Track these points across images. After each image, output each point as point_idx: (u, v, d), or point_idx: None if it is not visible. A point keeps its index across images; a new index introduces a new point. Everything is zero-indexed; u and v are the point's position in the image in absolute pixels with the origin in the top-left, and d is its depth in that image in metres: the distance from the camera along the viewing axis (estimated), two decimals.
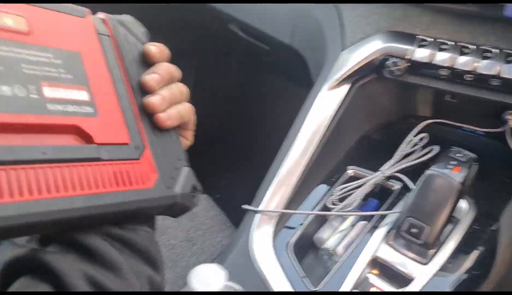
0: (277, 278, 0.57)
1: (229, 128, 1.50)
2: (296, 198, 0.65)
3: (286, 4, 0.87)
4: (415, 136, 0.72)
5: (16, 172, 0.33)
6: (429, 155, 0.69)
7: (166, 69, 0.45)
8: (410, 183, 0.66)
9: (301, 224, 0.63)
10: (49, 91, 0.37)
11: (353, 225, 0.63)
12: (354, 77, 0.72)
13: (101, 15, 0.45)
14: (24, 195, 0.33)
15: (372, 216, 0.63)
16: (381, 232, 0.61)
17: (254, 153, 1.46)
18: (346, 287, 0.55)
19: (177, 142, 0.46)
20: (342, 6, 0.77)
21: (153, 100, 0.43)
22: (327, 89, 0.71)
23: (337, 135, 0.71)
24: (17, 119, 0.34)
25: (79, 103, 0.39)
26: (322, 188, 0.68)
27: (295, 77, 1.03)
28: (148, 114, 0.44)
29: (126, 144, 0.41)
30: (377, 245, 0.59)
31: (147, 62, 0.45)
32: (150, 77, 0.43)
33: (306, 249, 0.64)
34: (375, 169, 0.71)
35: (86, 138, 0.39)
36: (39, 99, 0.36)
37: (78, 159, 0.37)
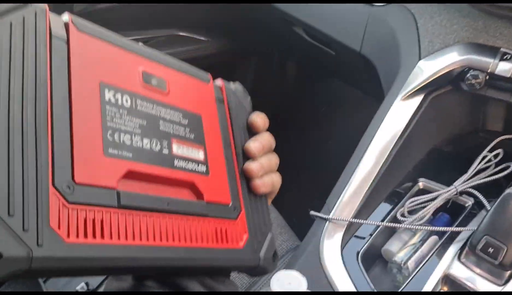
0: (346, 287, 0.57)
1: (284, 131, 1.51)
2: (365, 208, 0.65)
3: (357, 9, 0.86)
4: (489, 151, 0.70)
5: (146, 218, 0.37)
6: (505, 172, 0.67)
7: (267, 139, 0.49)
8: (484, 201, 0.64)
9: (371, 235, 0.63)
10: (176, 148, 0.41)
11: (424, 240, 0.62)
12: (428, 88, 0.70)
13: (219, 82, 0.49)
14: (147, 240, 0.36)
15: (443, 231, 0.62)
16: (454, 249, 0.59)
17: (307, 157, 1.46)
18: None
19: (266, 208, 0.49)
20: (418, 13, 0.76)
21: (253, 166, 0.46)
22: (400, 99, 0.70)
23: (407, 147, 0.70)
24: (152, 170, 0.38)
25: (197, 161, 0.42)
26: (392, 199, 0.68)
27: (361, 84, 1.02)
28: (246, 178, 0.47)
29: (227, 204, 0.44)
30: (450, 262, 0.58)
31: (251, 130, 0.50)
32: (254, 145, 0.47)
33: (374, 260, 0.64)
34: (444, 182, 0.69)
35: (198, 194, 0.42)
36: (169, 155, 0.40)
37: (190, 213, 0.40)
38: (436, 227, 0.61)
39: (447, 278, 0.57)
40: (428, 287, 0.56)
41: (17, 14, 0.33)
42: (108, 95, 0.37)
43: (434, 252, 0.60)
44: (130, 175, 0.37)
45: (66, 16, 0.37)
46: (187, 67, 0.46)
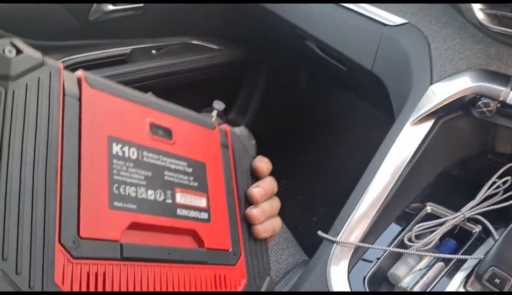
0: None
1: (292, 140, 1.51)
2: (373, 231, 0.65)
3: (370, 28, 0.86)
4: (498, 178, 0.70)
5: (147, 269, 0.38)
6: None
7: (270, 185, 0.50)
8: (492, 228, 0.64)
9: (378, 259, 0.63)
10: (180, 197, 0.43)
11: (430, 266, 0.63)
12: (439, 113, 0.71)
13: (224, 127, 0.51)
14: (147, 290, 0.37)
15: (450, 258, 0.63)
16: (460, 276, 0.60)
17: (314, 166, 1.47)
18: None
19: (266, 252, 0.50)
20: (431, 36, 0.76)
21: (255, 213, 0.48)
22: (411, 124, 0.70)
23: (416, 171, 0.70)
24: (155, 221, 0.40)
25: (199, 209, 0.44)
26: (399, 222, 0.68)
27: (372, 99, 1.03)
28: (247, 223, 0.49)
29: (227, 250, 0.45)
30: (456, 289, 0.59)
31: (254, 175, 0.51)
32: (257, 191, 0.49)
33: (380, 283, 0.65)
34: (452, 207, 0.70)
35: (199, 242, 0.43)
36: (172, 204, 0.42)
37: (191, 261, 0.42)
38: (443, 254, 0.62)
39: None
40: None
41: (33, 75, 0.35)
42: (116, 148, 0.39)
43: (440, 279, 0.60)
44: (134, 226, 0.38)
45: (79, 73, 0.39)
46: (193, 115, 0.48)
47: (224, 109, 1.40)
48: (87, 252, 0.34)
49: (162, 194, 0.41)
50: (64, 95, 0.37)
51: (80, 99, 0.38)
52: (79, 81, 0.39)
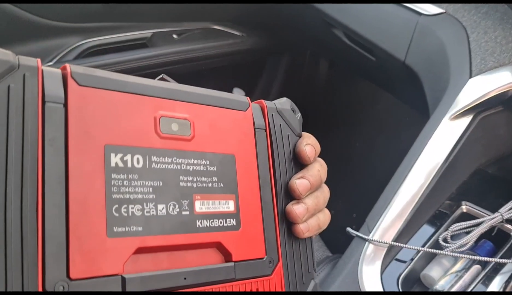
0: None
1: (312, 130, 1.48)
2: (406, 231, 0.63)
3: (405, 17, 0.83)
4: None
5: None
6: None
7: (317, 174, 0.42)
8: None
9: (412, 259, 0.61)
10: (199, 206, 0.35)
11: (466, 268, 0.60)
12: (478, 108, 0.67)
13: (260, 102, 0.41)
14: None
15: (487, 261, 0.60)
16: (499, 281, 0.57)
17: (333, 158, 1.44)
18: None
19: (310, 253, 0.42)
20: (471, 27, 0.73)
21: (297, 210, 0.40)
22: (448, 119, 0.67)
23: (452, 168, 0.67)
24: (168, 241, 0.33)
25: (225, 215, 0.37)
26: (433, 221, 0.65)
27: (401, 93, 0.99)
28: (286, 221, 0.41)
29: (262, 258, 0.38)
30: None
31: (298, 160, 0.42)
32: (300, 183, 0.40)
33: (412, 284, 0.62)
34: (488, 206, 0.67)
35: (226, 255, 0.36)
36: (190, 216, 0.35)
37: (214, 282, 0.35)
38: (480, 257, 0.59)
39: None
40: None
41: (1, 85, 0.28)
42: (115, 159, 0.32)
43: (478, 283, 0.58)
44: (140, 251, 0.32)
45: (65, 68, 0.31)
46: (219, 97, 0.39)
47: None
48: None
49: (176, 206, 0.34)
50: (44, 102, 0.29)
51: (66, 104, 0.30)
52: (64, 79, 0.31)
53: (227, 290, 0.36)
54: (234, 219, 0.37)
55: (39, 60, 0.30)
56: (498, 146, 0.73)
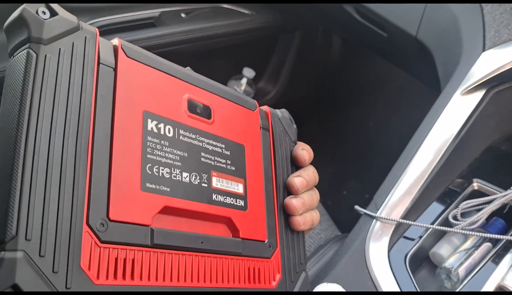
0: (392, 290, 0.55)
1: (324, 109, 1.47)
2: (415, 208, 0.62)
3: None
4: None
5: (178, 258, 0.35)
6: None
7: (312, 175, 0.47)
8: None
9: (420, 237, 0.60)
10: (216, 181, 0.40)
11: (476, 246, 0.59)
12: (492, 83, 0.65)
13: (265, 108, 0.47)
14: (177, 282, 0.35)
15: (498, 238, 0.58)
16: (509, 258, 0.56)
17: (346, 137, 1.42)
18: None
19: (302, 246, 0.47)
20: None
21: (295, 203, 0.44)
22: (460, 94, 0.65)
23: (464, 145, 0.65)
24: (189, 206, 0.37)
25: (235, 195, 0.41)
26: (443, 199, 0.64)
27: (413, 69, 0.97)
28: (284, 213, 0.45)
29: (263, 241, 0.42)
30: (505, 272, 0.55)
31: (294, 163, 0.48)
32: (298, 180, 0.45)
33: (420, 262, 0.61)
34: (500, 184, 0.65)
35: (234, 231, 0.40)
36: (208, 189, 0.39)
37: (224, 251, 0.39)
38: (490, 234, 0.58)
39: (501, 290, 0.54)
40: None
41: (67, 40, 0.33)
42: (151, 125, 0.36)
43: (487, 261, 0.56)
44: (166, 211, 0.35)
45: (116, 41, 0.36)
46: (234, 93, 0.44)
47: (254, 77, 1.36)
48: (116, 237, 0.32)
49: (198, 177, 0.38)
50: (99, 63, 0.34)
51: (115, 69, 0.35)
52: (115, 49, 0.36)
53: (234, 263, 0.39)
54: (243, 201, 0.41)
55: (97, 28, 0.35)
56: (511, 122, 0.71)
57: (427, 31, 0.79)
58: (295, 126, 0.50)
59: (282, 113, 0.49)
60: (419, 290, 0.55)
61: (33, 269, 0.27)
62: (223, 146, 0.41)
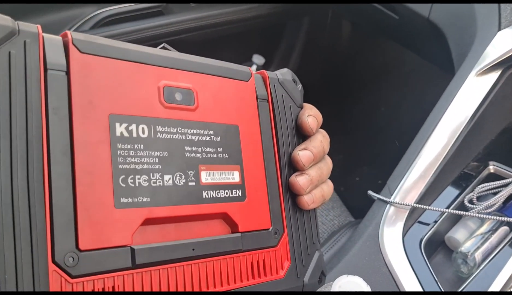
0: (407, 277, 0.54)
1: (335, 93, 1.45)
2: (430, 192, 0.60)
3: None
4: None
5: (167, 272, 0.32)
6: None
7: (319, 145, 0.41)
8: None
9: (435, 222, 0.59)
10: (205, 176, 0.35)
11: (493, 230, 0.58)
12: (507, 63, 0.64)
13: (262, 74, 0.41)
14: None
15: None
16: None
17: (357, 122, 1.40)
18: None
19: (314, 224, 0.42)
20: None
21: (301, 181, 0.40)
22: (475, 75, 0.63)
23: (479, 127, 0.64)
24: (176, 212, 0.33)
25: (231, 186, 0.36)
26: (459, 182, 0.63)
27: (426, 52, 0.95)
28: (291, 193, 0.41)
29: (267, 229, 0.38)
30: None
31: (300, 132, 0.42)
32: (303, 155, 0.40)
33: (436, 247, 0.60)
34: None
35: (232, 225, 0.36)
36: (196, 187, 0.34)
37: (221, 252, 0.35)
38: (509, 218, 0.57)
39: None
40: (498, 283, 0.52)
41: (1, 51, 0.27)
42: (120, 129, 0.31)
43: (505, 245, 0.55)
44: (148, 222, 0.31)
45: (66, 35, 0.30)
46: (221, 66, 0.38)
47: (264, 64, 1.34)
48: (90, 267, 0.28)
49: (183, 176, 0.33)
50: (46, 70, 0.29)
51: (68, 72, 0.29)
52: (65, 47, 0.30)
53: (234, 262, 0.36)
54: (240, 190, 0.37)
55: (39, 26, 0.29)
56: None
57: (439, 12, 0.77)
58: (300, 86, 0.43)
59: (283, 75, 0.42)
60: (434, 275, 0.54)
61: None
62: (212, 132, 0.36)
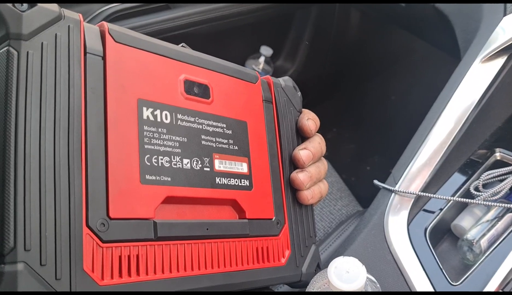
0: (412, 265, 0.54)
1: (344, 84, 1.45)
2: (435, 180, 0.60)
3: None
4: None
5: (184, 248, 0.34)
6: None
7: (318, 146, 0.45)
8: None
9: (440, 209, 0.59)
10: (218, 164, 0.38)
11: (499, 217, 0.58)
12: None
13: (267, 78, 0.45)
14: (184, 271, 0.34)
15: None
16: None
17: (367, 112, 1.40)
18: (491, 287, 0.51)
19: (311, 219, 0.46)
20: None
21: (302, 177, 0.43)
22: (480, 61, 0.63)
23: (485, 113, 0.63)
24: (192, 193, 0.36)
25: (240, 176, 0.40)
26: (464, 169, 0.63)
27: (433, 39, 0.94)
28: (291, 188, 0.44)
29: (271, 218, 0.41)
30: None
31: (300, 133, 0.46)
32: (304, 153, 0.44)
33: (442, 235, 0.60)
34: None
35: (240, 212, 0.39)
36: (210, 173, 0.37)
37: (231, 235, 0.38)
38: None
39: None
40: (503, 270, 0.52)
41: (49, 32, 0.30)
42: (147, 113, 0.34)
43: (511, 232, 0.55)
44: (168, 200, 0.34)
45: (103, 25, 0.34)
46: (232, 67, 0.42)
47: (272, 55, 1.34)
48: (118, 234, 0.31)
49: (199, 162, 0.37)
50: (85, 53, 0.32)
51: (104, 57, 0.33)
52: (102, 36, 0.33)
53: (242, 245, 0.39)
54: (247, 180, 0.40)
55: (80, 14, 0.33)
56: None
57: None
58: (299, 93, 0.48)
59: (285, 81, 0.47)
60: (439, 262, 0.54)
61: (35, 279, 0.26)
62: (224, 125, 0.40)
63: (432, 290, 0.51)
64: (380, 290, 0.43)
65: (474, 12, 0.69)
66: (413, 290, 0.52)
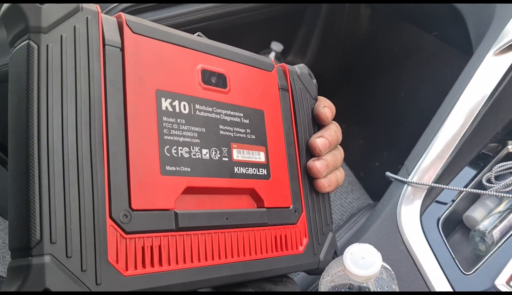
0: (425, 254, 0.54)
1: (354, 79, 1.45)
2: (448, 172, 0.61)
3: None
4: None
5: (204, 237, 0.35)
6: None
7: (334, 134, 0.45)
8: None
9: (453, 201, 0.59)
10: (237, 154, 0.38)
11: (511, 209, 0.58)
12: None
13: (282, 66, 0.45)
14: (205, 261, 0.34)
15: None
16: None
17: (377, 108, 1.40)
18: (502, 278, 0.51)
19: (328, 207, 0.46)
20: None
21: (318, 165, 0.43)
22: (493, 55, 0.63)
23: (497, 106, 0.64)
24: (212, 183, 0.36)
25: (257, 165, 0.40)
26: (477, 162, 0.63)
27: (445, 34, 0.94)
28: (308, 176, 0.44)
29: (288, 207, 0.41)
30: None
31: (316, 122, 0.46)
32: (320, 141, 0.43)
33: (454, 226, 0.61)
34: None
35: (258, 201, 0.40)
36: (229, 162, 0.38)
37: (250, 224, 0.38)
38: None
39: None
40: None
41: (68, 25, 0.30)
42: (165, 103, 0.34)
43: None
44: (188, 191, 0.35)
45: (120, 16, 0.34)
46: (248, 56, 0.42)
47: (282, 51, 1.35)
48: (141, 225, 0.31)
49: (218, 152, 0.37)
50: (104, 45, 0.32)
51: (122, 49, 0.33)
52: (120, 27, 0.33)
53: (261, 234, 0.39)
54: (265, 169, 0.40)
55: (98, 5, 0.32)
56: None
57: None
58: (315, 81, 0.47)
59: (300, 69, 0.47)
60: (452, 252, 0.55)
61: (62, 271, 0.27)
62: (242, 114, 0.40)
63: (445, 280, 0.52)
64: (395, 278, 0.44)
65: (487, 6, 0.69)
66: (426, 279, 0.52)
